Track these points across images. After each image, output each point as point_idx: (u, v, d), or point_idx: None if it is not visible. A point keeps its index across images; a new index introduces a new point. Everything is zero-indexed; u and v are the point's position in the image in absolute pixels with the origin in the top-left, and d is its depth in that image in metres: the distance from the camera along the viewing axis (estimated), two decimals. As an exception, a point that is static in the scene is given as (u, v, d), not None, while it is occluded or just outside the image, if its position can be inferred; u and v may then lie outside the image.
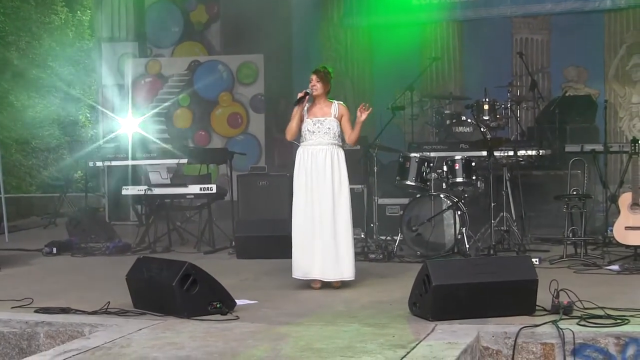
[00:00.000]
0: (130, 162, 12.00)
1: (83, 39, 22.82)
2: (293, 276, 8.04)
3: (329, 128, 8.04)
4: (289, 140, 8.28)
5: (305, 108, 8.13)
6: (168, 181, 11.31)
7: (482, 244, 9.89)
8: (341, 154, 8.10)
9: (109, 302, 6.88)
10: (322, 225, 7.94)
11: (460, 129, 11.70)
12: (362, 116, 8.05)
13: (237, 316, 6.61)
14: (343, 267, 7.95)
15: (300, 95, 8.09)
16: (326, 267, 7.92)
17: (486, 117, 11.44)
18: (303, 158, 8.07)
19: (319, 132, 8.04)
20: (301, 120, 8.11)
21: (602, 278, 8.24)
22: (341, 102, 8.23)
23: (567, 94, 12.86)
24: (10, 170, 18.74)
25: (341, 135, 8.15)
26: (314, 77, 8.11)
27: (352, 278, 8.02)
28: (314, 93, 8.07)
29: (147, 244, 11.10)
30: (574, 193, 9.55)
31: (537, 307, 6.44)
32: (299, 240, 8.02)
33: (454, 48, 15.01)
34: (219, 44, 15.91)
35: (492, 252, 9.47)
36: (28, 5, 21.21)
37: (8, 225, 12.57)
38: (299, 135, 8.18)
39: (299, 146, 8.21)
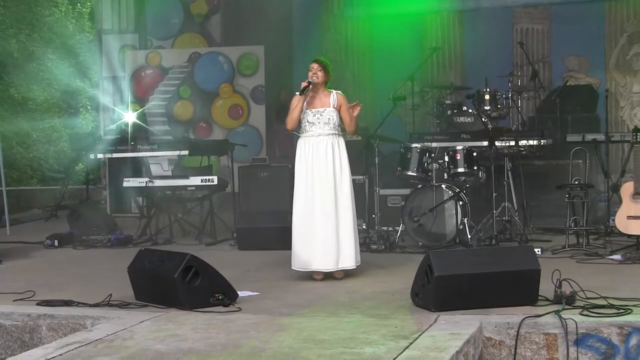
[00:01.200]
0: (131, 154, 11.98)
1: (83, 31, 22.82)
2: (292, 268, 8.03)
3: (329, 118, 8.05)
4: (289, 130, 8.25)
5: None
6: (169, 173, 11.31)
7: (484, 234, 9.89)
8: (342, 142, 8.12)
9: (110, 295, 6.89)
10: (324, 216, 7.92)
11: (462, 119, 11.67)
12: (354, 112, 8.13)
13: (239, 308, 6.61)
14: (344, 256, 7.94)
15: (304, 84, 8.04)
16: (327, 258, 7.90)
17: (487, 107, 11.40)
18: (304, 149, 8.07)
19: (318, 122, 8.04)
20: (301, 111, 8.10)
21: (604, 268, 8.24)
22: (339, 92, 8.22)
23: (568, 84, 12.85)
24: (11, 163, 18.75)
25: (341, 125, 8.16)
26: (315, 65, 8.08)
27: (354, 266, 8.02)
28: (316, 81, 8.05)
29: (149, 236, 11.10)
30: (576, 183, 9.54)
31: (539, 297, 6.44)
32: (300, 231, 8.00)
33: (455, 38, 14.99)
34: (219, 36, 15.89)
35: (494, 242, 9.48)
36: (28, -2, 21.22)
37: (9, 218, 12.57)
38: (298, 126, 8.17)
39: (299, 137, 8.21)
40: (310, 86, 8.05)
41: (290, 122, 8.12)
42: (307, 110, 8.08)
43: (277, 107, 14.79)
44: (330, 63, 8.23)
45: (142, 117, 13.75)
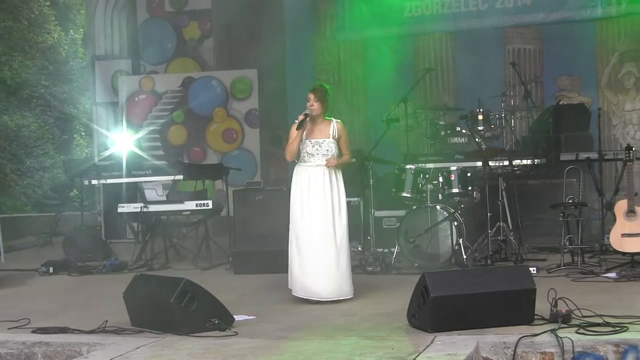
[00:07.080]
0: (125, 180, 11.97)
1: (76, 57, 22.84)
2: (293, 294, 8.03)
3: (327, 150, 8.05)
4: (289, 160, 8.24)
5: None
6: (164, 198, 11.29)
7: (479, 254, 9.89)
8: (339, 173, 8.12)
9: (106, 321, 6.87)
10: (323, 247, 7.92)
11: (455, 139, 11.69)
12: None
13: (235, 332, 6.60)
14: (344, 286, 7.97)
15: (300, 118, 8.03)
16: (327, 289, 7.90)
17: (480, 128, 11.42)
18: (300, 178, 8.06)
19: (317, 154, 8.04)
20: (300, 142, 8.08)
21: (599, 286, 8.25)
22: (339, 121, 8.23)
23: (560, 103, 12.88)
24: (5, 190, 18.74)
25: (339, 155, 8.16)
26: (311, 96, 8.07)
27: (352, 295, 8.04)
28: (313, 113, 8.05)
29: (144, 261, 11.08)
30: (570, 201, 9.56)
31: (535, 317, 6.45)
32: (297, 260, 7.99)
33: (447, 59, 15.01)
34: (212, 60, 15.90)
35: (489, 262, 9.48)
36: (20, 25, 21.22)
37: (4, 245, 12.53)
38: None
39: (296, 163, 8.20)
40: (307, 118, 8.05)
41: (290, 153, 8.11)
42: (307, 141, 8.07)
43: (272, 131, 14.82)
44: (329, 88, 8.23)
45: (136, 142, 13.75)
